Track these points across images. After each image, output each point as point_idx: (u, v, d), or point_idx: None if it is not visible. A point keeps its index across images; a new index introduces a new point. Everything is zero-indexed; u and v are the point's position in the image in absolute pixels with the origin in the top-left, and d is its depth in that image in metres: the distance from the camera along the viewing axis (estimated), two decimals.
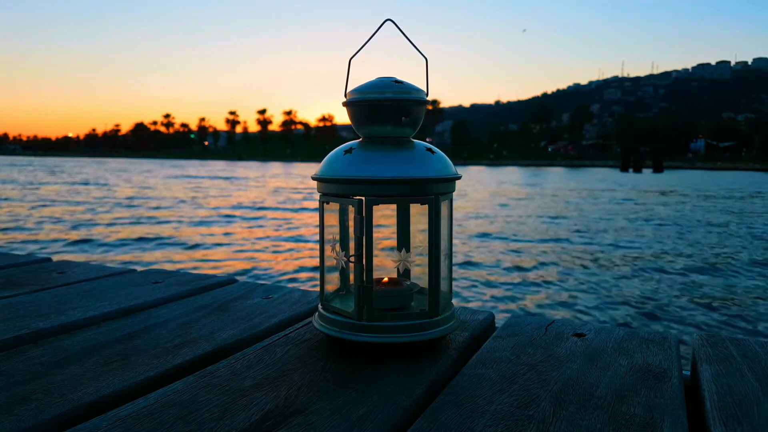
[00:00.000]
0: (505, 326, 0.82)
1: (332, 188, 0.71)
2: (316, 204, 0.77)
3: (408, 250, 0.77)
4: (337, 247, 0.75)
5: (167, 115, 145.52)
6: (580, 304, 4.94)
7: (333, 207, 0.75)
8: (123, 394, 0.59)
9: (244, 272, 6.13)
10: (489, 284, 5.68)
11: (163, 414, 0.54)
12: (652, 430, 0.52)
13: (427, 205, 0.69)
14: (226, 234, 9.16)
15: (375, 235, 0.68)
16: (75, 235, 8.56)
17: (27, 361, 0.67)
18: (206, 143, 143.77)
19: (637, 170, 47.59)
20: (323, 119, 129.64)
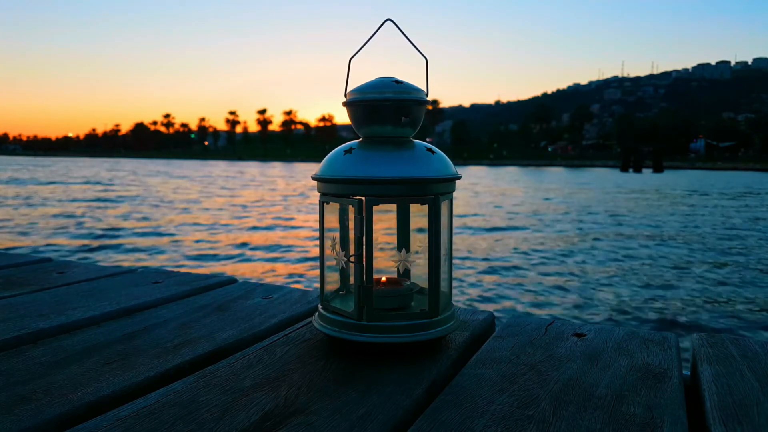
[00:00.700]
0: (505, 326, 0.82)
1: (332, 188, 0.71)
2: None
3: (408, 250, 0.77)
4: (337, 247, 0.75)
5: (167, 115, 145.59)
6: (581, 304, 4.94)
7: (333, 207, 0.76)
8: (123, 394, 0.59)
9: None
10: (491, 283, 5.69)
11: (163, 414, 0.54)
12: (652, 430, 0.52)
13: (427, 205, 0.69)
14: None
15: (375, 234, 0.68)
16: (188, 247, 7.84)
17: (27, 361, 0.67)
18: (206, 143, 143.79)
19: (637, 170, 47.60)
20: (323, 119, 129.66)
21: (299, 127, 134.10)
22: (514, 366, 0.67)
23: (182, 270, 1.53)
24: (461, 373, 0.65)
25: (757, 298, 5.32)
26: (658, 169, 48.79)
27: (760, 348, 0.73)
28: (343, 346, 0.73)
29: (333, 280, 0.80)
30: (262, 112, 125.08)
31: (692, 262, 7.11)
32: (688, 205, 15.74)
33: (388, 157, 0.69)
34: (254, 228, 9.92)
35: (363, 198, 0.67)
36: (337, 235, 0.77)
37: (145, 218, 11.03)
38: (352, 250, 0.70)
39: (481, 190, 20.37)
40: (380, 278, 0.77)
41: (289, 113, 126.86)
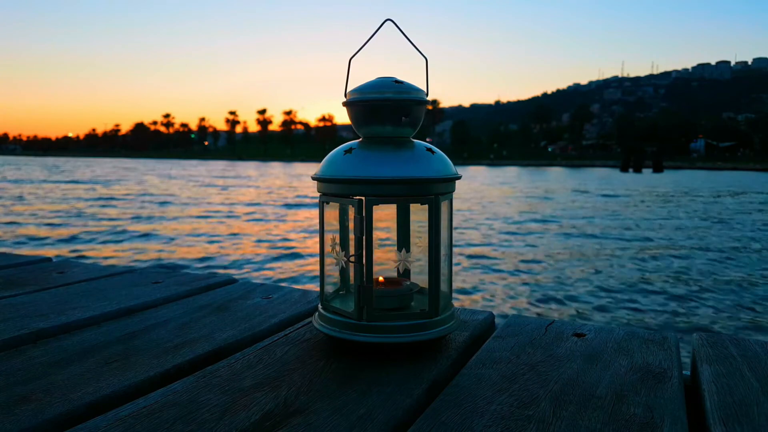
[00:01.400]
0: (505, 326, 0.82)
1: (332, 188, 0.71)
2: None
3: (408, 250, 0.77)
4: (337, 247, 0.75)
5: (167, 115, 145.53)
6: (581, 303, 4.94)
7: (333, 207, 0.75)
8: (123, 394, 0.59)
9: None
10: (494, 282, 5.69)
11: (163, 414, 0.54)
12: (652, 430, 0.52)
13: (427, 205, 0.69)
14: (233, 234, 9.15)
15: (375, 234, 0.68)
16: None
17: (27, 361, 0.67)
18: (206, 143, 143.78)
19: (637, 170, 47.59)
20: (323, 119, 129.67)
21: (299, 127, 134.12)
22: (514, 366, 0.67)
23: (182, 270, 1.53)
24: (461, 373, 0.65)
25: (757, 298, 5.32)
26: (657, 169, 48.79)
27: (760, 348, 0.73)
28: (343, 346, 0.72)
29: (333, 280, 0.80)
30: (262, 112, 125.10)
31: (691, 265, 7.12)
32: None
33: (388, 157, 0.69)
34: (254, 228, 9.92)
35: (363, 198, 0.67)
36: (337, 235, 0.77)
37: (145, 218, 11.03)
38: (352, 250, 0.70)
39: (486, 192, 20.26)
40: (380, 278, 0.77)
41: (289, 113, 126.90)
